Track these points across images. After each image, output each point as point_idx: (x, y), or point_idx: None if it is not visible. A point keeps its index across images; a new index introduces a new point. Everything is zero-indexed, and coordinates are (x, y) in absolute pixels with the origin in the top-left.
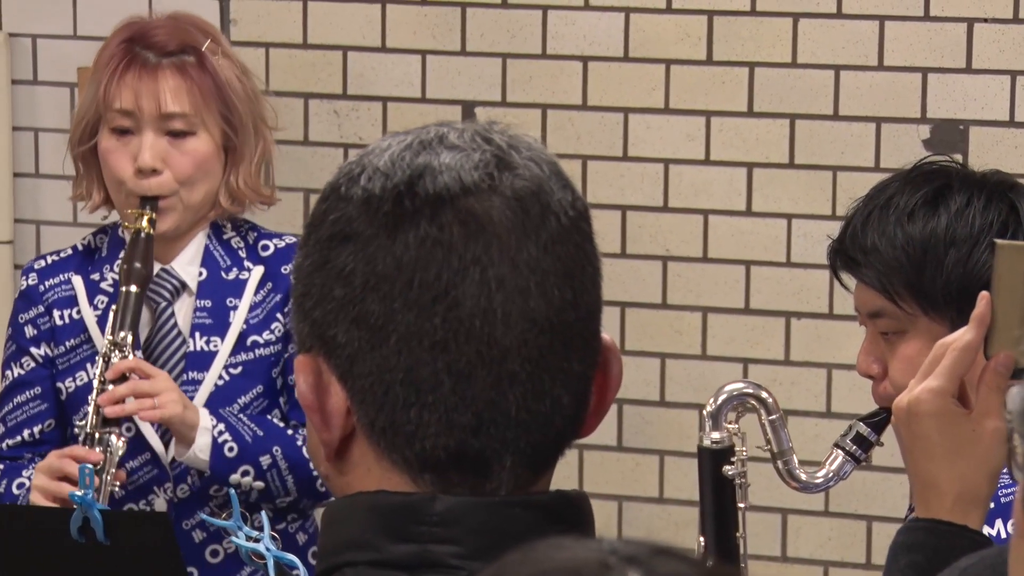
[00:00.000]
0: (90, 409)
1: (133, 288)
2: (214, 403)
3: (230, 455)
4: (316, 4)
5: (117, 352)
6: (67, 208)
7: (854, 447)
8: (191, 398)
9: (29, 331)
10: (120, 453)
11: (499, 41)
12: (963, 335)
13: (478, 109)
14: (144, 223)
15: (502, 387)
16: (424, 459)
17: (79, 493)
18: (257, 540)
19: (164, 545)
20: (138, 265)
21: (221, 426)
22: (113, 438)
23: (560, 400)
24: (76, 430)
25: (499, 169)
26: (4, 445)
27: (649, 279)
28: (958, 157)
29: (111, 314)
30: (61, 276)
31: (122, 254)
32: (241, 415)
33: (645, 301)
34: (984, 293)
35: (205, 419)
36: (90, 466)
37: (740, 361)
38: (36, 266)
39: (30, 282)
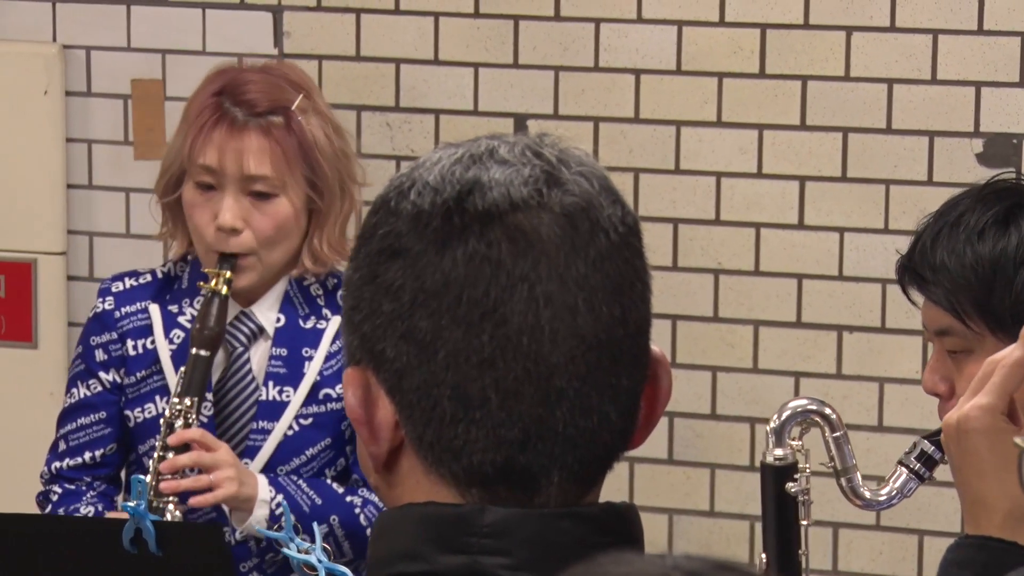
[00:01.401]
0: (148, 478)
1: (204, 352)
2: (281, 453)
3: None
4: (369, 17)
5: (181, 420)
6: (120, 220)
7: (918, 465)
8: (259, 447)
9: (100, 355)
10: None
11: (551, 54)
12: (1013, 352)
13: (530, 122)
14: (220, 284)
15: (549, 403)
16: (471, 474)
17: (132, 504)
18: (309, 552)
19: (217, 557)
20: (211, 326)
21: (279, 497)
22: (171, 507)
23: (608, 416)
24: (144, 476)
25: (548, 185)
26: (65, 464)
27: (701, 292)
28: (1012, 171)
29: (179, 375)
30: (138, 304)
31: (198, 304)
32: (301, 483)
33: (697, 314)
34: None
35: (264, 491)
36: (143, 477)
37: (792, 375)
38: (114, 288)
39: (106, 306)
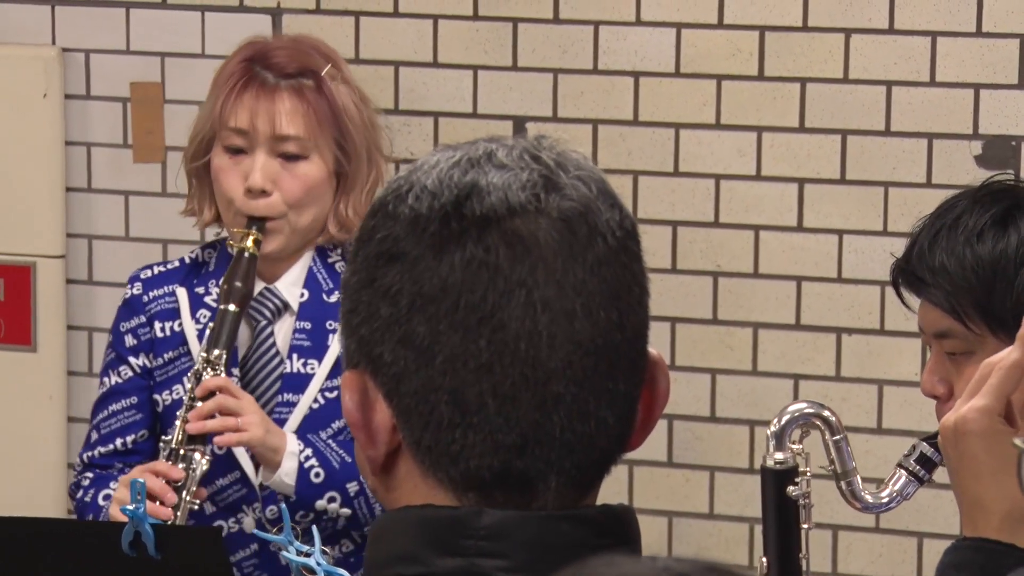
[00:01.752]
0: (177, 424)
1: (232, 307)
2: (308, 426)
3: (316, 481)
4: (368, 19)
5: (209, 370)
6: (119, 223)
7: (917, 467)
8: (285, 420)
9: (129, 340)
10: (203, 470)
11: (550, 56)
12: (1010, 354)
13: (529, 124)
14: (249, 243)
15: (547, 408)
16: (469, 478)
17: (131, 507)
18: (308, 555)
19: (216, 560)
20: (239, 284)
21: (308, 451)
22: (197, 455)
23: (605, 420)
24: (161, 444)
25: (546, 190)
26: (96, 452)
27: (700, 295)
28: (1011, 173)
29: (207, 331)
30: (166, 288)
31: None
32: (330, 441)
33: (696, 317)
34: None
35: (292, 444)
36: (141, 481)
37: (791, 377)
38: (142, 276)
39: (134, 291)
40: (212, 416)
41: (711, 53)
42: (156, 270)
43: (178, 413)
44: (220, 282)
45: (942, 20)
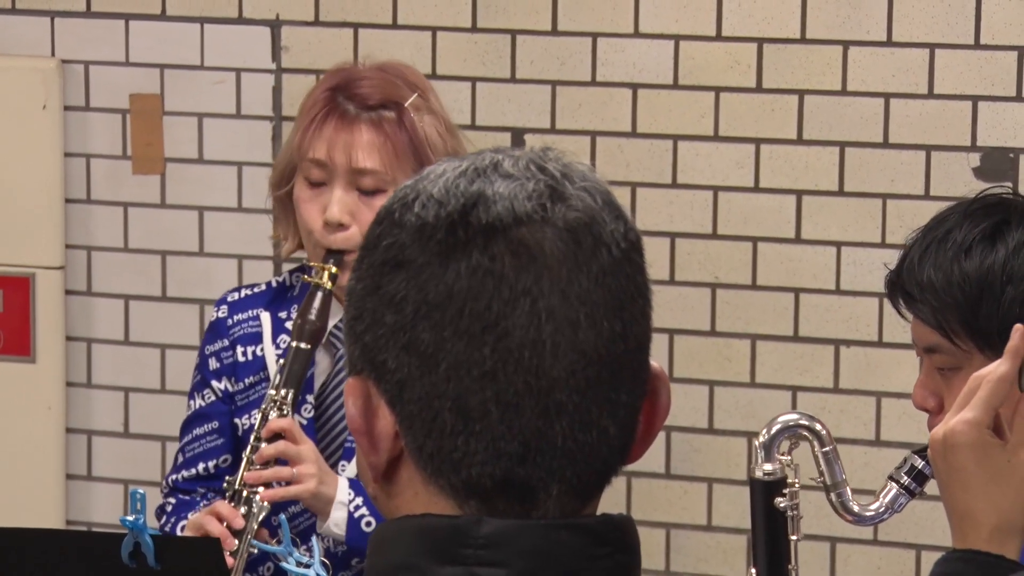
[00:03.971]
0: (242, 467)
1: (304, 345)
2: None
3: (367, 529)
4: (367, 31)
5: (275, 410)
6: (118, 234)
7: (909, 480)
8: (354, 450)
9: (213, 364)
10: (263, 515)
11: (549, 68)
12: (997, 367)
13: (527, 136)
14: (324, 278)
15: (549, 417)
16: (470, 486)
17: (130, 518)
18: (308, 566)
19: (215, 570)
20: (312, 319)
21: (359, 500)
22: (258, 498)
23: (607, 430)
24: (225, 484)
25: (552, 200)
26: (180, 476)
27: (698, 306)
28: (1008, 185)
29: (278, 366)
30: (250, 312)
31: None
32: None
33: (694, 328)
34: (1018, 326)
35: (343, 492)
36: (142, 491)
37: (789, 389)
38: (229, 299)
39: (220, 315)
40: (272, 461)
41: (709, 65)
42: (243, 293)
43: (244, 454)
44: (294, 317)
45: (940, 32)
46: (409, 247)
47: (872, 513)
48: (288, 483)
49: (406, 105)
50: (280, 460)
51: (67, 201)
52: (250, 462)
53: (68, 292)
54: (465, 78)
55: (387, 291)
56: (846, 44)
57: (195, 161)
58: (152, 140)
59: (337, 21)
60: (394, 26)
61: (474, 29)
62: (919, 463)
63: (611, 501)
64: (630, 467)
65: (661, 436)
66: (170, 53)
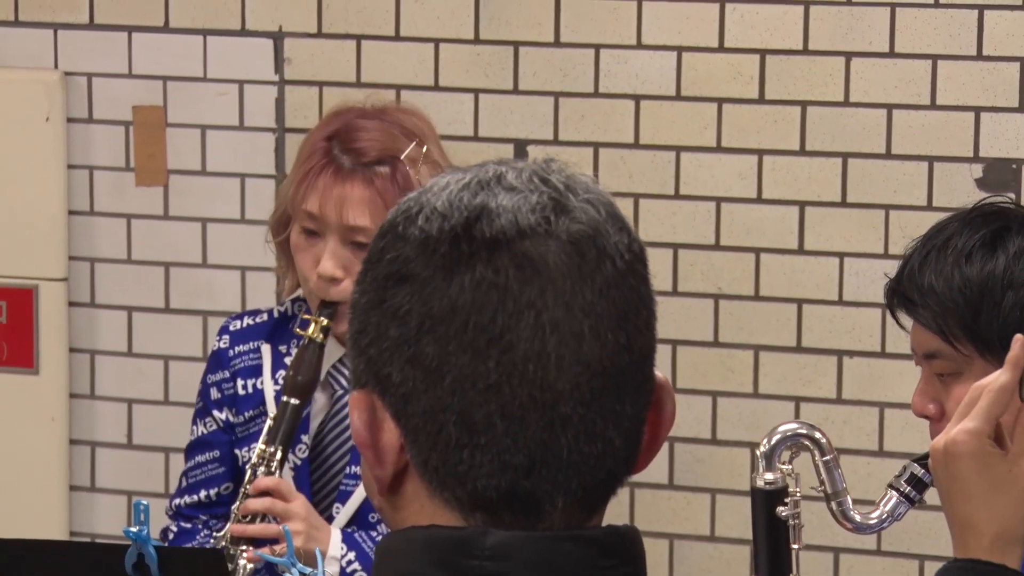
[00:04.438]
0: (231, 518)
1: (294, 401)
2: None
3: None
4: (370, 43)
5: (263, 467)
6: (121, 246)
7: (909, 488)
8: (351, 492)
9: (214, 393)
10: (246, 574)
11: (551, 80)
12: (998, 377)
13: (530, 148)
14: (316, 332)
15: (554, 430)
16: (476, 499)
17: (133, 529)
18: None
19: None
20: (301, 378)
21: (351, 555)
22: (242, 561)
23: (612, 442)
24: (213, 540)
25: (556, 212)
26: (183, 502)
27: (701, 317)
28: (1011, 196)
29: (269, 421)
30: (251, 343)
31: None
32: (379, 537)
33: (697, 339)
34: (1019, 336)
35: (335, 547)
36: (145, 502)
37: (792, 399)
38: (232, 327)
39: (222, 344)
40: (259, 517)
41: (712, 76)
42: (246, 322)
43: (233, 508)
44: (287, 368)
45: (943, 43)
46: (413, 260)
47: (873, 522)
48: (275, 540)
49: (401, 158)
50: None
51: (70, 213)
52: (237, 517)
53: (71, 304)
54: (468, 90)
55: (391, 304)
56: (848, 55)
57: (198, 173)
58: (155, 152)
59: (340, 33)
60: (397, 38)
61: (477, 41)
62: (919, 471)
63: (614, 512)
64: (633, 478)
65: (664, 447)
66: (173, 65)
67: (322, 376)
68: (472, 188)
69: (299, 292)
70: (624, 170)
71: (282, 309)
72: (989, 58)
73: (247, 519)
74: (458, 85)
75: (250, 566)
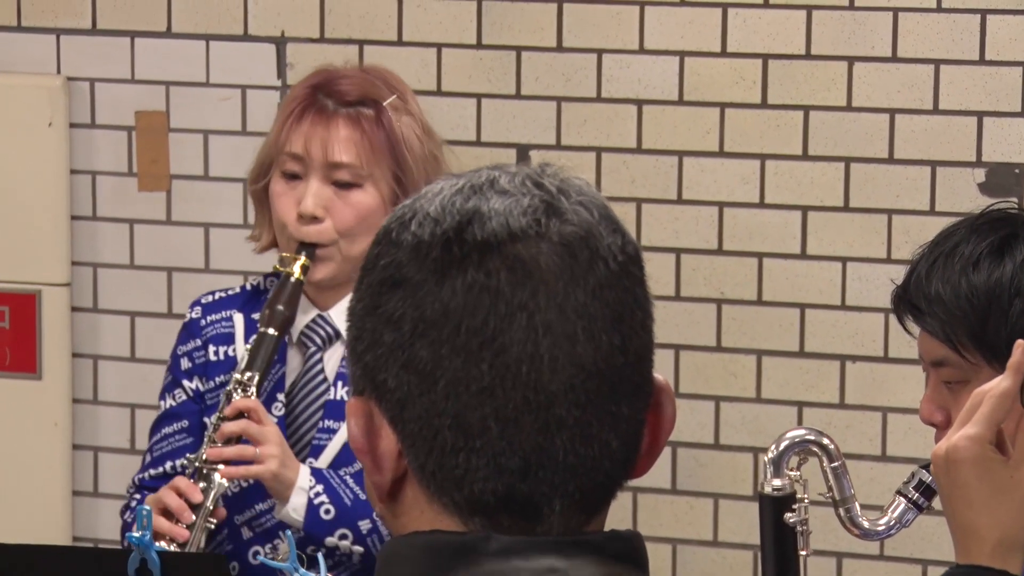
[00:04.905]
0: (204, 442)
1: (271, 331)
2: (345, 453)
3: (326, 517)
4: (372, 48)
5: (240, 391)
6: (124, 251)
7: (917, 495)
8: (324, 446)
9: (184, 363)
10: (220, 492)
11: (554, 84)
12: (1000, 383)
13: (533, 152)
14: (296, 268)
15: (549, 432)
16: (473, 503)
17: (136, 535)
18: None
19: None
20: (281, 308)
21: (319, 487)
22: (216, 476)
23: (609, 444)
24: (186, 461)
25: (547, 215)
26: (147, 475)
27: (704, 322)
28: (1014, 200)
29: (245, 352)
30: (224, 313)
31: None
32: (347, 477)
33: (700, 344)
34: (1020, 341)
35: (303, 479)
36: (147, 508)
37: (795, 404)
38: (203, 300)
39: (193, 315)
40: (235, 439)
41: (714, 81)
42: (217, 295)
43: (206, 433)
44: (264, 305)
45: (945, 48)
46: (406, 265)
47: (881, 528)
48: (250, 462)
49: (385, 104)
50: (243, 440)
51: (73, 218)
52: (212, 440)
53: (74, 309)
54: (470, 95)
55: (385, 310)
56: (851, 60)
57: (201, 178)
58: (158, 157)
59: (342, 38)
60: (399, 43)
61: (479, 46)
62: (927, 477)
63: (617, 516)
64: (636, 482)
65: (667, 451)
66: (176, 70)
67: (297, 332)
68: (465, 193)
69: (275, 264)
70: (626, 175)
71: (255, 283)
72: (992, 63)
73: (220, 446)
74: (461, 90)
75: (225, 482)
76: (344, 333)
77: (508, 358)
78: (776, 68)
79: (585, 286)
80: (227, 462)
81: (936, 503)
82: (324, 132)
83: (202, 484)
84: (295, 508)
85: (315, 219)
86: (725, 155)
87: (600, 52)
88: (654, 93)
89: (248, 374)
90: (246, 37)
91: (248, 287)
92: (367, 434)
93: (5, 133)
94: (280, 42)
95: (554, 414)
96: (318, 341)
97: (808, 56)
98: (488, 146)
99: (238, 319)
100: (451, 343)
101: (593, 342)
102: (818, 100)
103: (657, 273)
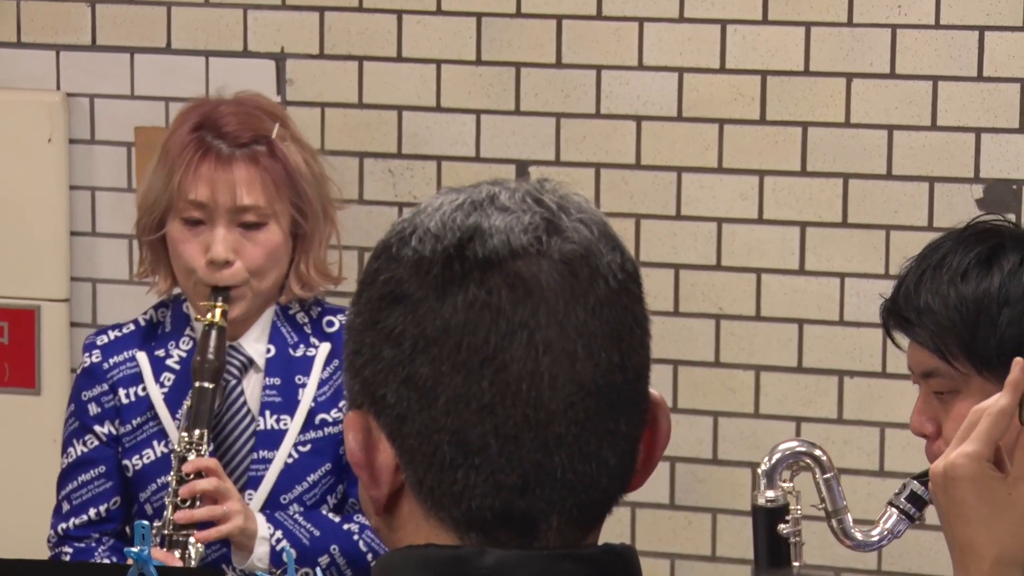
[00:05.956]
0: (168, 510)
1: (207, 384)
2: (283, 481)
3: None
4: (372, 64)
5: (193, 451)
6: (123, 267)
7: (908, 505)
8: (261, 476)
9: (93, 409)
10: (200, 556)
11: (553, 100)
12: (998, 400)
13: (532, 168)
14: (217, 316)
15: (548, 449)
16: (471, 519)
17: (135, 550)
18: None
19: None
20: (212, 358)
21: (279, 533)
22: (192, 540)
23: (606, 461)
24: (153, 531)
25: (548, 232)
26: (71, 524)
27: (702, 337)
28: (1011, 217)
29: (185, 409)
30: (125, 353)
31: (187, 335)
32: (297, 516)
33: (698, 359)
34: (1018, 359)
35: (263, 528)
36: (146, 523)
37: (793, 419)
38: (99, 342)
39: (94, 359)
40: (198, 499)
41: (713, 97)
42: (112, 335)
43: (166, 501)
44: (183, 343)
45: (943, 64)
46: (406, 281)
47: (873, 539)
48: (216, 522)
49: (273, 137)
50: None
51: (72, 234)
52: (175, 506)
53: (73, 324)
54: (470, 111)
55: (385, 325)
56: (849, 76)
57: None
58: None
59: (342, 54)
60: (399, 59)
61: (478, 62)
62: (918, 488)
63: (615, 532)
64: (634, 498)
65: (665, 466)
66: (175, 86)
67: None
68: (465, 209)
69: (163, 297)
70: (625, 191)
71: (147, 317)
72: (990, 79)
73: (186, 504)
74: (460, 106)
75: (201, 547)
76: (257, 360)
77: (509, 376)
78: (775, 84)
79: (585, 304)
80: (196, 524)
81: (928, 515)
82: (227, 176)
83: (177, 553)
84: (259, 558)
85: (227, 263)
86: (724, 171)
87: (599, 68)
88: (653, 109)
89: (196, 432)
90: (246, 53)
91: (141, 322)
92: (364, 448)
93: (5, 149)
94: (280, 58)
95: (553, 431)
96: (235, 372)
97: (807, 72)
98: (487, 162)
99: (142, 357)
100: (452, 360)
101: (593, 360)
102: (816, 116)
103: (656, 289)
